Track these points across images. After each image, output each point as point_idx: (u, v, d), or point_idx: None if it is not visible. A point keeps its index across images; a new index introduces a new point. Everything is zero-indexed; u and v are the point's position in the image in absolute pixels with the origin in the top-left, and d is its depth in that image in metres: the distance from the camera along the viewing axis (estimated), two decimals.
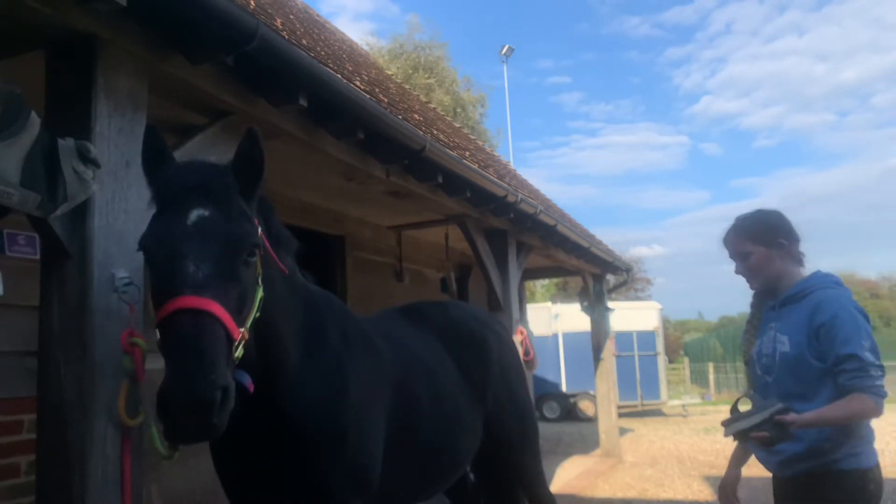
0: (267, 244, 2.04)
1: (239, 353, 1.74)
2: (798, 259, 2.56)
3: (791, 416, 2.21)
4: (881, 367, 2.28)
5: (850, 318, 2.31)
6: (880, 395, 2.26)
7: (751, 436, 2.29)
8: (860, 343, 2.26)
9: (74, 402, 2.01)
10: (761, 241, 2.51)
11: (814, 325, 2.34)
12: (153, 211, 1.85)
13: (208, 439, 1.71)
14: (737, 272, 2.64)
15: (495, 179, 5.20)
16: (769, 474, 2.58)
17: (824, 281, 2.47)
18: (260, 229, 1.94)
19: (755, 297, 2.68)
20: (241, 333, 1.73)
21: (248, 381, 1.88)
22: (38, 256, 2.95)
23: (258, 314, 1.88)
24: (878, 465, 2.38)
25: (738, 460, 2.70)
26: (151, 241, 1.76)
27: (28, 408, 2.97)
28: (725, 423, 2.37)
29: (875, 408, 2.25)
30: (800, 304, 2.43)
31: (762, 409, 2.28)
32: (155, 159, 1.93)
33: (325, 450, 2.25)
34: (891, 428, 12.22)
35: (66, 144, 1.96)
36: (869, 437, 2.38)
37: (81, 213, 2.08)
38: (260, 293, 1.89)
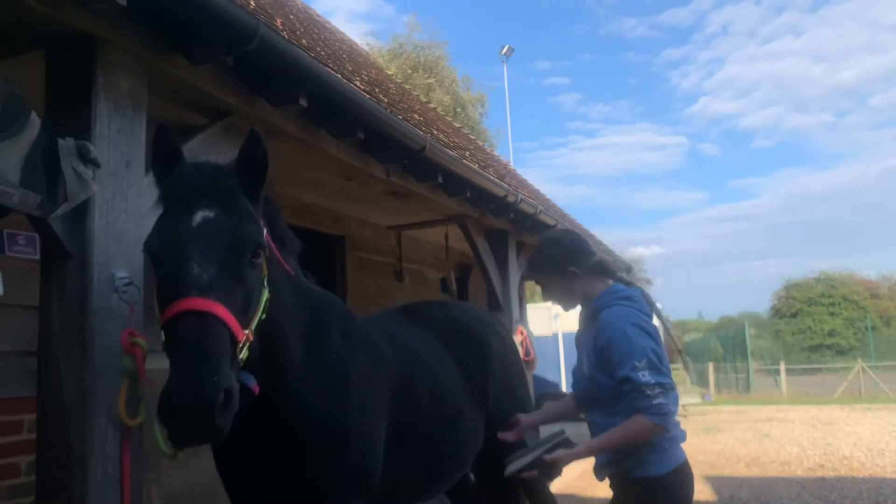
0: (273, 245, 2.04)
1: (244, 354, 1.73)
2: (603, 271, 2.56)
3: (559, 454, 2.30)
4: (661, 384, 2.26)
5: (623, 339, 2.31)
6: (657, 413, 2.24)
7: (521, 475, 2.36)
8: (632, 364, 2.26)
9: (74, 402, 2.01)
10: (554, 272, 2.55)
11: (598, 346, 2.39)
12: (159, 212, 1.85)
13: (212, 442, 1.70)
14: (546, 300, 2.70)
15: (495, 179, 5.20)
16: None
17: (609, 298, 2.46)
18: (266, 231, 1.94)
19: (580, 316, 2.67)
20: (245, 335, 1.72)
21: (253, 384, 1.88)
22: (38, 256, 2.95)
23: (264, 316, 1.88)
24: (673, 471, 2.38)
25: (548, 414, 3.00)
26: (156, 242, 1.76)
27: (28, 408, 2.97)
28: (507, 462, 2.44)
29: (652, 427, 2.25)
30: (594, 324, 2.46)
31: (537, 447, 2.36)
32: (167, 159, 1.93)
33: (327, 450, 2.25)
34: (891, 428, 12.24)
35: (66, 144, 1.96)
36: (664, 443, 2.37)
37: (81, 213, 2.07)
38: (266, 295, 1.89)
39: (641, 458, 2.35)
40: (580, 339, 2.62)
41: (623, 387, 2.29)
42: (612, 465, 2.41)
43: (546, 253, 2.60)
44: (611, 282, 2.55)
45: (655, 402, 2.24)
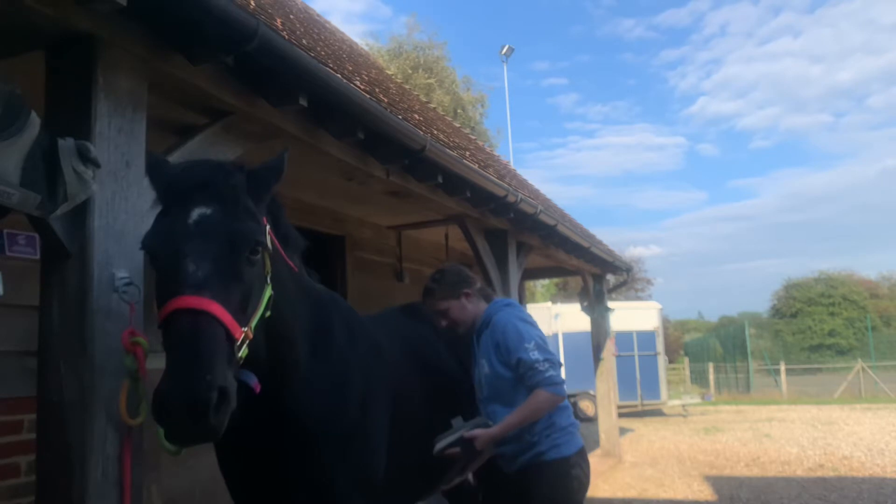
0: (276, 243, 2.03)
1: (243, 352, 1.72)
2: (484, 294, 3.08)
3: (476, 432, 2.66)
4: (549, 361, 2.67)
5: (513, 330, 2.79)
6: (552, 383, 2.65)
7: (444, 453, 2.67)
8: (523, 347, 2.70)
9: (74, 401, 2.00)
10: (451, 296, 2.98)
11: (494, 344, 2.83)
12: (158, 210, 1.85)
13: (206, 441, 1.67)
14: (441, 328, 3.08)
15: (495, 179, 5.19)
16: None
17: (495, 307, 2.99)
18: (269, 228, 1.94)
19: (470, 335, 3.07)
20: (243, 333, 1.71)
21: (253, 382, 1.87)
22: (38, 256, 2.95)
23: (268, 313, 1.87)
24: (579, 451, 2.80)
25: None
26: (153, 240, 1.76)
27: (28, 408, 2.97)
28: (435, 441, 2.71)
29: (551, 397, 2.66)
30: (486, 331, 2.91)
31: (458, 429, 2.71)
32: (157, 167, 1.99)
33: (330, 449, 2.25)
34: (891, 428, 12.24)
35: (66, 144, 1.96)
36: (570, 428, 2.82)
37: (81, 213, 2.07)
38: (269, 292, 1.88)
39: (554, 441, 2.73)
40: (475, 353, 2.99)
41: (519, 369, 2.69)
42: (524, 453, 2.73)
43: (442, 280, 3.03)
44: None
45: (548, 374, 2.65)
